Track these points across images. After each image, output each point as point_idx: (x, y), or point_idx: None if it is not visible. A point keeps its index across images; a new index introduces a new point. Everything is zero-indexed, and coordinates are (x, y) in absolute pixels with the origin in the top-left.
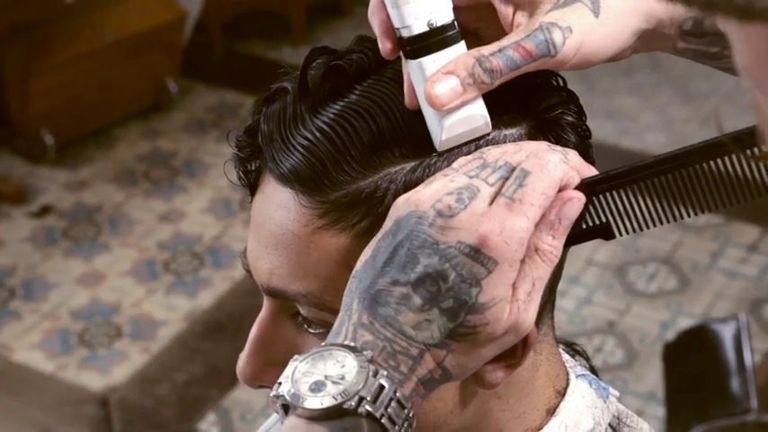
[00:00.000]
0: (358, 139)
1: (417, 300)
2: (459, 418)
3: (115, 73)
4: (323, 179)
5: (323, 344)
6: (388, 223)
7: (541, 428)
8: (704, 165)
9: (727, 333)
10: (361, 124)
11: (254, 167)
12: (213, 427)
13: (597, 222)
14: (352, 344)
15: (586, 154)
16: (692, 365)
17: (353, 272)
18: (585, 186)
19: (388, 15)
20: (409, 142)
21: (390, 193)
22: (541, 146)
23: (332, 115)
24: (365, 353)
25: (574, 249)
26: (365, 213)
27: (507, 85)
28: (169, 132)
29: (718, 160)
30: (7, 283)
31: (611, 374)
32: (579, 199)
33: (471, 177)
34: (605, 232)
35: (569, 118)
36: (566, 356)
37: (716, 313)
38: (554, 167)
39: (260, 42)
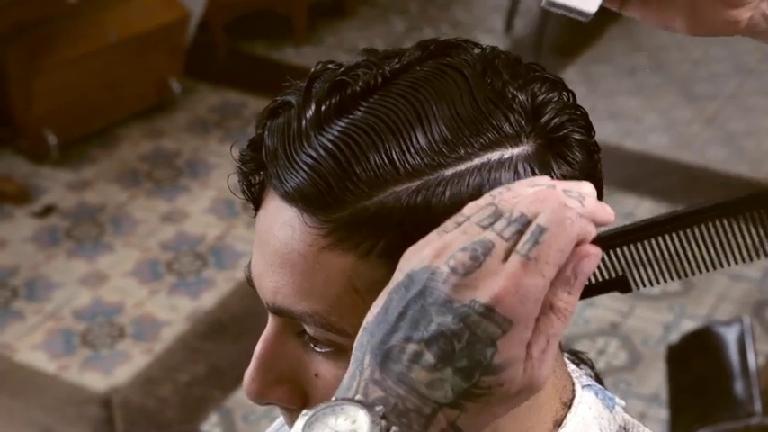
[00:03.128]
0: (363, 158)
1: (430, 358)
2: None
3: (118, 73)
4: (327, 198)
5: (333, 398)
6: (398, 276)
7: None
8: (722, 221)
9: (730, 336)
10: (366, 142)
11: (257, 181)
12: (216, 428)
13: (612, 275)
14: (364, 399)
15: (594, 170)
16: (696, 368)
17: (364, 323)
18: (601, 241)
19: None
20: (414, 161)
21: (396, 212)
22: (557, 197)
23: (336, 133)
24: (377, 408)
25: None
26: (369, 233)
27: (514, 101)
28: (172, 132)
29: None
30: (10, 283)
31: (614, 377)
32: (596, 255)
33: (485, 228)
34: (622, 285)
35: (577, 136)
36: (571, 366)
37: (719, 316)
38: (571, 224)
39: (263, 42)
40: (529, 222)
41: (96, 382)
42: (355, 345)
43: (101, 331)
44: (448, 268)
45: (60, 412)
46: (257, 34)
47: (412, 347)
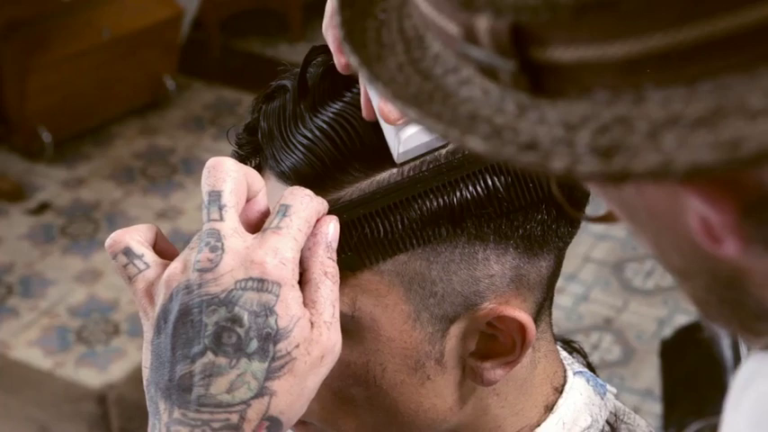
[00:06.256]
0: (358, 138)
1: (222, 359)
2: (458, 415)
3: (113, 70)
4: (324, 178)
5: None
6: (150, 323)
7: (539, 425)
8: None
9: (723, 330)
10: (360, 122)
11: (254, 165)
12: None
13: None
14: None
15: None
16: (689, 362)
17: (144, 381)
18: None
19: None
20: None
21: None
22: (291, 190)
23: (331, 114)
24: None
25: (570, 246)
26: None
27: None
28: (166, 130)
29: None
30: (5, 280)
31: (608, 371)
32: (335, 219)
33: (201, 230)
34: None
35: None
36: (563, 353)
37: None
38: (309, 200)
39: (257, 40)
40: (219, 191)
41: (91, 378)
42: (147, 403)
43: (96, 328)
44: (196, 273)
45: (56, 409)
46: (252, 31)
47: (201, 362)
